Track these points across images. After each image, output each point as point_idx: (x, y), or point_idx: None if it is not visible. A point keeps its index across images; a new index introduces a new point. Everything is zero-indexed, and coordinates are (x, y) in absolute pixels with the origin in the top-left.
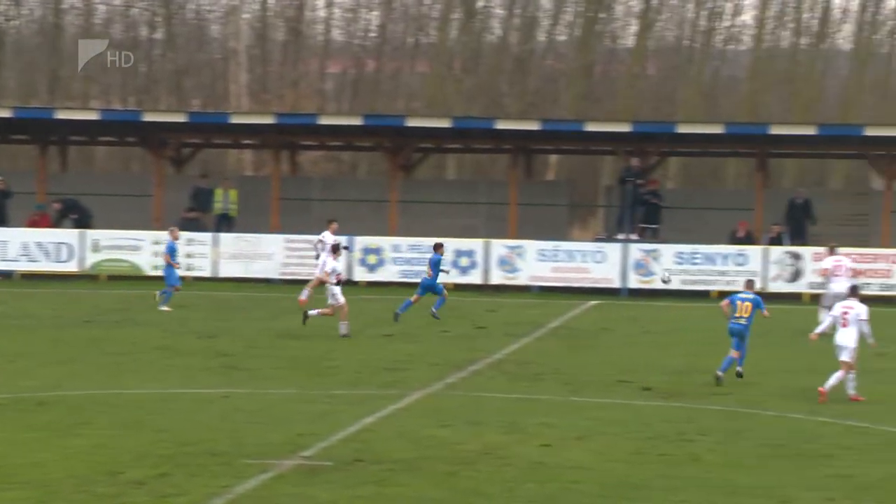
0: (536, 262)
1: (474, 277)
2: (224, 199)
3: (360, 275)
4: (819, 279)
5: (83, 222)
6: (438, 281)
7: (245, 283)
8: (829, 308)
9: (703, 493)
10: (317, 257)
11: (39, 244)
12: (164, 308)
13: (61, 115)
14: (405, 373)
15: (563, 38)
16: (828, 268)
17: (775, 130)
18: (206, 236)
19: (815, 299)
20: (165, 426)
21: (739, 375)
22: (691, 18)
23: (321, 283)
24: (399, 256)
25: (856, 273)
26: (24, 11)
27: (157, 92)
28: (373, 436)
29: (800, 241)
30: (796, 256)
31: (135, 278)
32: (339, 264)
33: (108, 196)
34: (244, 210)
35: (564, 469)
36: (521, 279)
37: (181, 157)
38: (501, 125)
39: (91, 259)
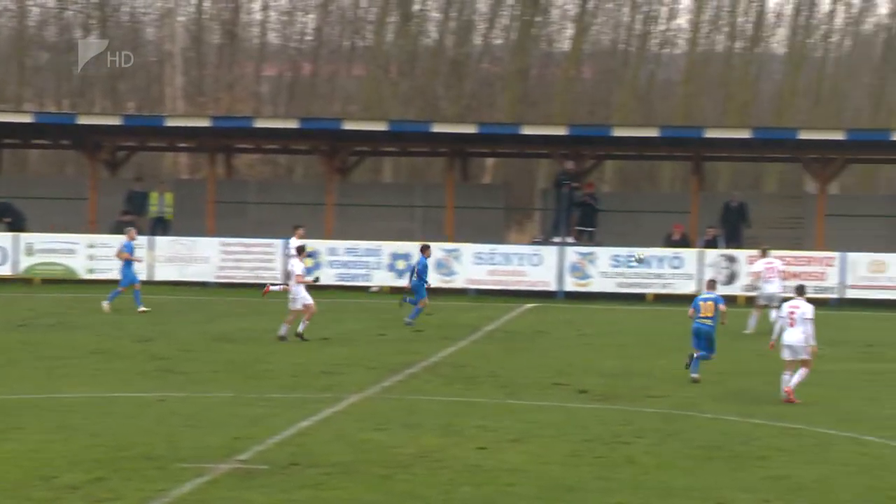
0: (473, 265)
1: None
2: (159, 203)
3: None
4: (752, 282)
5: (17, 226)
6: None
7: (181, 287)
8: (762, 309)
9: (638, 494)
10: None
11: None
12: (143, 308)
13: None
14: (342, 376)
15: (499, 41)
16: (758, 271)
17: (710, 134)
18: (142, 240)
19: (750, 302)
20: (101, 430)
21: (695, 374)
22: (627, 22)
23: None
24: (335, 259)
25: (787, 276)
26: None
27: (92, 95)
28: (309, 439)
29: (735, 244)
30: (731, 259)
31: (69, 282)
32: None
33: (43, 199)
34: (180, 213)
35: (501, 472)
36: (457, 282)
37: (116, 161)
38: (438, 128)
39: (25, 263)
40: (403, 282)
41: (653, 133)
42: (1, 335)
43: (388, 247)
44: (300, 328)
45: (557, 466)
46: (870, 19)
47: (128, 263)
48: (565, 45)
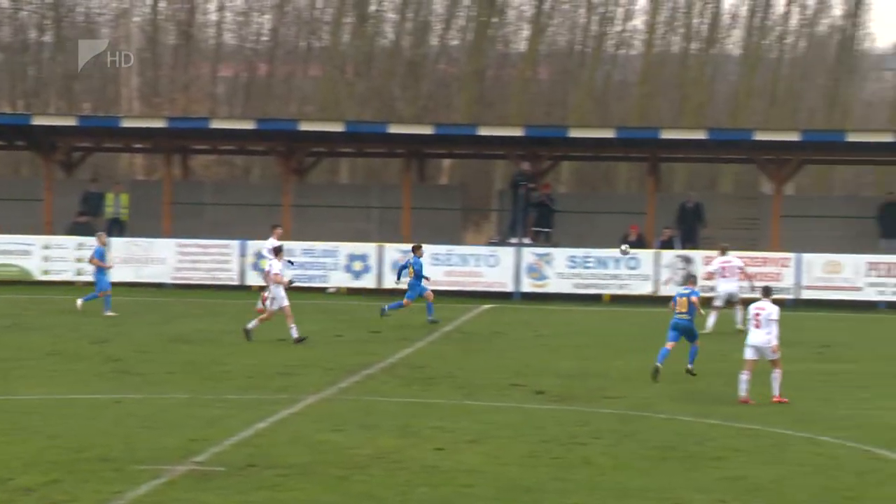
0: (430, 265)
1: (367, 282)
2: (115, 204)
3: (253, 279)
4: (706, 282)
5: None
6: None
7: (137, 288)
8: (720, 309)
9: (595, 495)
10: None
11: None
12: (109, 313)
13: None
14: (298, 377)
15: (455, 42)
16: (712, 270)
17: (666, 135)
18: None
19: (706, 302)
20: (56, 432)
21: (691, 373)
22: (583, 23)
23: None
24: (292, 260)
25: (745, 274)
26: None
27: (47, 95)
28: (266, 441)
29: (691, 245)
30: (687, 260)
31: (25, 283)
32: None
33: None
34: (135, 214)
35: (458, 473)
36: None
37: (71, 161)
38: (394, 129)
39: None
40: (360, 283)
41: (609, 134)
42: None
43: (345, 248)
44: (251, 324)
45: (515, 467)
46: (824, 21)
47: (100, 269)
48: (522, 46)
